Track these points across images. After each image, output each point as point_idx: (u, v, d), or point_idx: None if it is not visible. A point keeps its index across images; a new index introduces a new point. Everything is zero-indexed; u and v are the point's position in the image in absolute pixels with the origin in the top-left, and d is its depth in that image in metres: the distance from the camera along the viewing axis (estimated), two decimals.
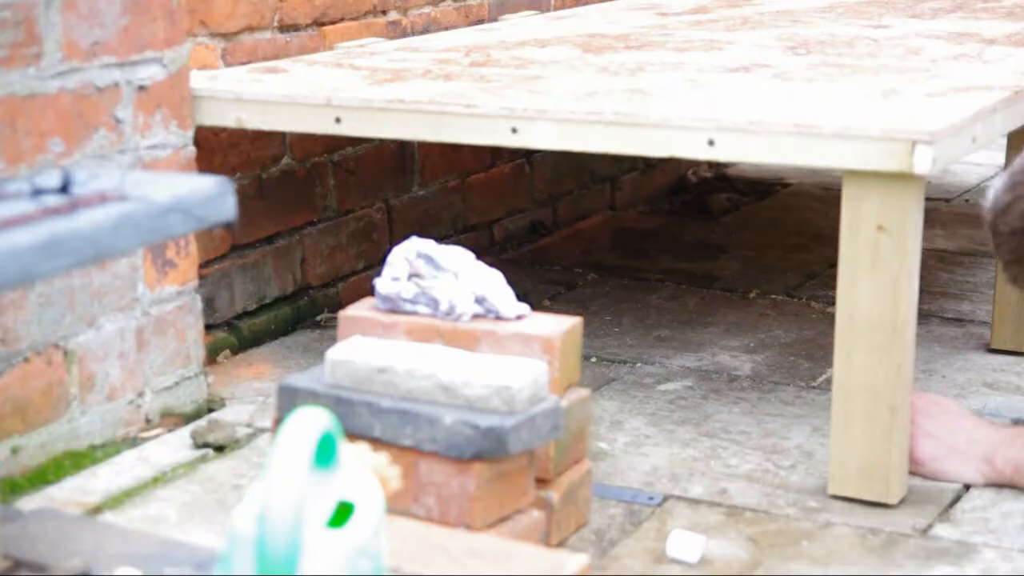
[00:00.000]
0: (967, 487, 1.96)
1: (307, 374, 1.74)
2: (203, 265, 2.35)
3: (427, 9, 2.94)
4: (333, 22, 2.68)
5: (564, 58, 2.45)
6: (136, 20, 2.03)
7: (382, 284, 1.79)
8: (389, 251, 1.83)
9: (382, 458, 1.47)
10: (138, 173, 1.59)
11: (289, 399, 1.70)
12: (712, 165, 3.76)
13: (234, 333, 2.47)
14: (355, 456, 1.43)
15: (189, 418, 2.16)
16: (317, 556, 1.27)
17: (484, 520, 1.63)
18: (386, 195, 2.80)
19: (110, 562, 1.52)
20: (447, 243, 1.92)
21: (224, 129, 2.34)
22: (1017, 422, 2.13)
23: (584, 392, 1.80)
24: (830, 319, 2.34)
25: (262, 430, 2.12)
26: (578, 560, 1.48)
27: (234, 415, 2.18)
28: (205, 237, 2.36)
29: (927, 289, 2.79)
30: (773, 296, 2.82)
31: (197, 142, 2.17)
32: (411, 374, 1.65)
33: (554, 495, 1.75)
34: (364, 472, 1.39)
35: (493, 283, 1.77)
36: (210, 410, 2.20)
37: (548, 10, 3.31)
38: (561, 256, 3.06)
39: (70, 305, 1.96)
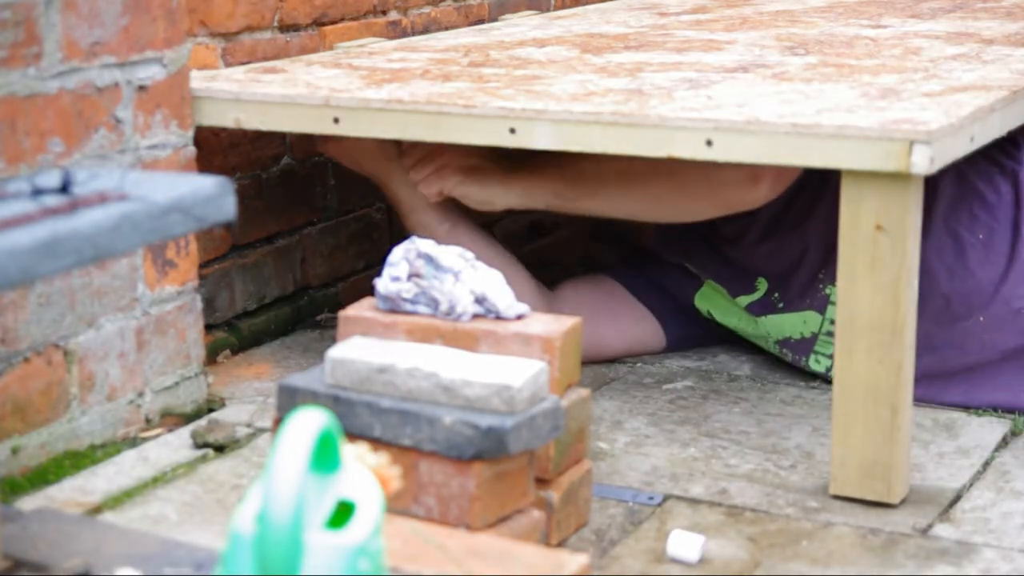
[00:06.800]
0: (968, 487, 1.97)
1: (307, 374, 1.74)
2: (203, 265, 2.35)
3: (427, 9, 2.94)
4: (333, 22, 2.68)
5: (563, 58, 2.45)
6: (136, 20, 2.03)
7: (382, 284, 1.79)
8: (389, 251, 1.82)
9: (382, 458, 1.48)
10: (138, 173, 1.59)
11: (289, 399, 1.70)
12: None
13: (234, 333, 2.47)
14: (355, 456, 1.43)
15: (189, 418, 2.16)
16: (317, 556, 1.27)
17: (484, 520, 1.63)
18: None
19: (110, 562, 1.52)
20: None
21: (224, 129, 2.34)
22: None
23: (584, 392, 1.80)
24: None
25: (262, 430, 2.12)
26: (578, 560, 1.48)
27: (234, 415, 2.18)
28: (205, 237, 2.36)
29: None
30: None
31: (197, 142, 2.17)
32: (411, 374, 1.65)
33: (554, 495, 1.75)
34: (364, 472, 1.39)
35: (493, 283, 1.77)
36: (210, 410, 2.20)
37: (548, 10, 3.31)
38: (561, 256, 3.06)
39: (70, 305, 1.96)
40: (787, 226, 2.37)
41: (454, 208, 2.41)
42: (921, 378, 2.02)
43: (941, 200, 2.27)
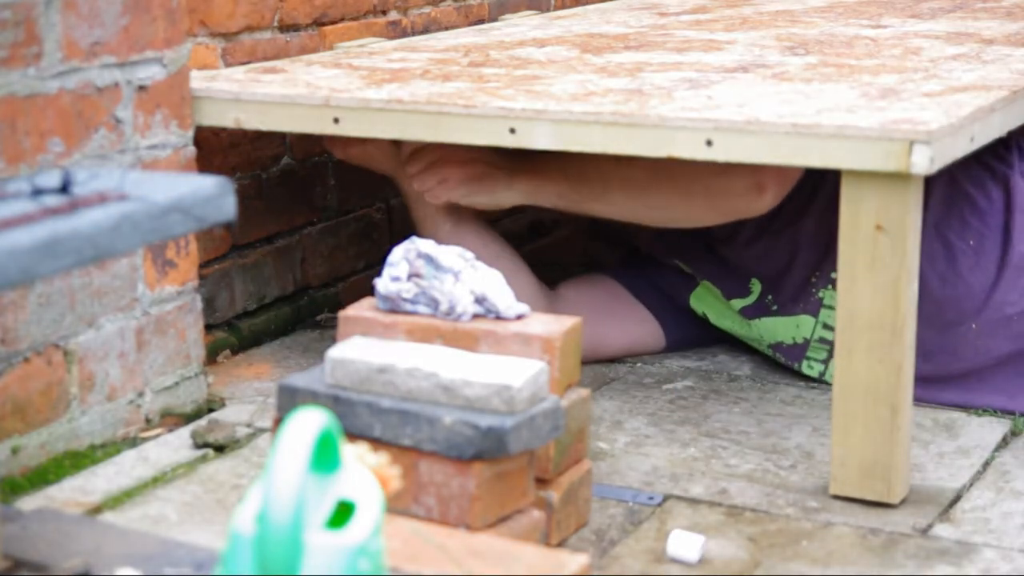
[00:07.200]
0: (968, 487, 1.97)
1: (307, 374, 1.74)
2: (203, 265, 2.35)
3: (427, 9, 2.94)
4: (333, 22, 2.68)
5: (563, 58, 2.45)
6: (136, 20, 2.03)
7: (382, 284, 1.79)
8: (389, 251, 1.83)
9: (382, 458, 1.48)
10: (138, 173, 1.60)
11: (289, 399, 1.70)
12: None
13: (234, 333, 2.47)
14: (355, 456, 1.43)
15: (189, 418, 2.16)
16: (317, 556, 1.27)
17: (484, 520, 1.63)
18: (386, 195, 2.80)
19: (110, 562, 1.52)
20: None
21: (224, 129, 2.34)
22: None
23: (584, 392, 1.80)
24: None
25: (262, 430, 2.12)
26: (578, 560, 1.48)
27: (234, 415, 2.18)
28: (205, 237, 2.36)
29: None
30: None
31: (197, 142, 2.17)
32: (411, 374, 1.65)
33: (554, 495, 1.75)
34: (364, 472, 1.39)
35: (493, 283, 1.78)
36: (210, 410, 2.20)
37: (548, 10, 3.31)
38: (560, 256, 3.06)
39: (70, 305, 1.96)
40: (780, 225, 2.37)
41: (458, 206, 2.41)
42: (917, 382, 2.02)
43: (932, 206, 2.27)
